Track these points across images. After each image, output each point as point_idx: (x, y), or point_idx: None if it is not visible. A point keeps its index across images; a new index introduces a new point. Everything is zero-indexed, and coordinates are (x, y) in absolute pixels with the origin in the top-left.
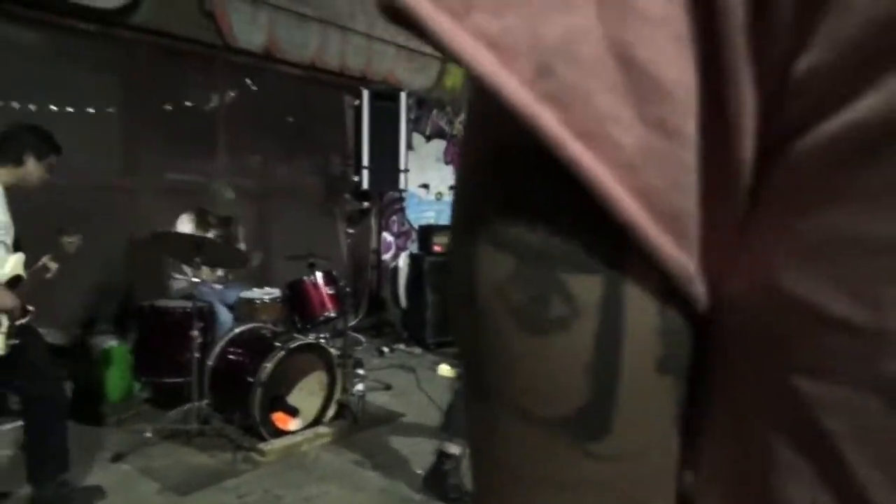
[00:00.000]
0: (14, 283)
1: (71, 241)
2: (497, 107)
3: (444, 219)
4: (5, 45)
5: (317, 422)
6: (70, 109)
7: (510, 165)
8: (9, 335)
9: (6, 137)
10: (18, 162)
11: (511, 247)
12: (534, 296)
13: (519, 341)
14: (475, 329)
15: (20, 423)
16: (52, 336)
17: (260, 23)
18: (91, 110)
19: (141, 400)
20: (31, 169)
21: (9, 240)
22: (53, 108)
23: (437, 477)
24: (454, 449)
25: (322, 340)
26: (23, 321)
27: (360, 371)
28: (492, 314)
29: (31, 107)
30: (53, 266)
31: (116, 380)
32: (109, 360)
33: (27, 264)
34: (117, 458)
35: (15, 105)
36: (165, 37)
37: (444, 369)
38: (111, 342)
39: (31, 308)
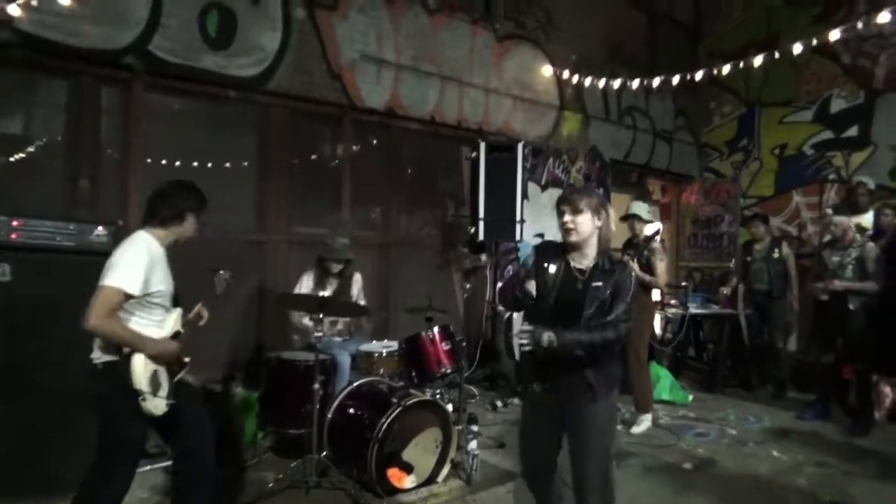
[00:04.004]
0: (173, 339)
1: (225, 278)
2: None
3: None
4: (160, 112)
5: (431, 480)
6: (212, 167)
7: None
8: (168, 395)
9: (165, 195)
10: (180, 220)
11: None
12: None
13: None
14: None
15: (157, 465)
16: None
17: (384, 82)
18: (229, 168)
19: (265, 448)
20: (189, 226)
21: (168, 302)
22: (196, 165)
23: None
24: None
25: (438, 395)
26: (181, 375)
27: (475, 428)
28: None
29: (177, 164)
30: (206, 313)
31: (242, 427)
32: (238, 407)
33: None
34: None
35: (163, 163)
36: (298, 100)
37: None
38: (240, 390)
39: (187, 360)
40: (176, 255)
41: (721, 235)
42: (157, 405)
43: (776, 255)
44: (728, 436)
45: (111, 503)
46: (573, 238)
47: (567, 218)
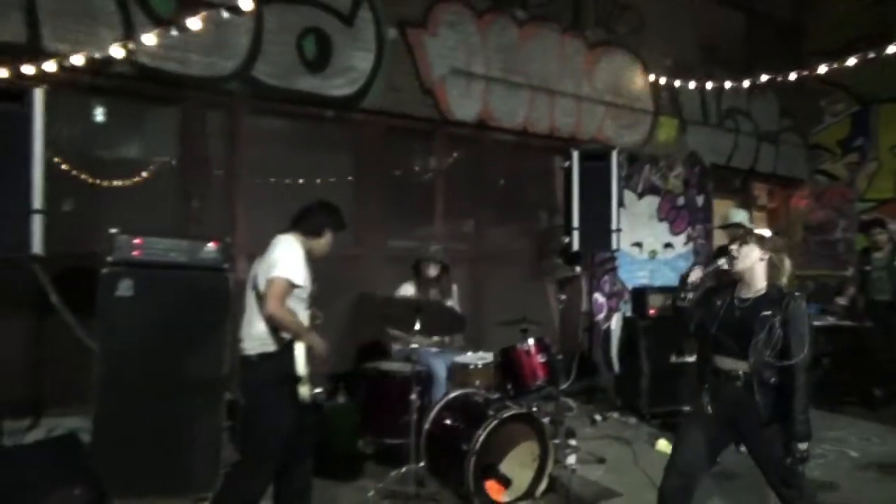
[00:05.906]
0: None
1: (318, 317)
2: None
3: (659, 279)
4: (261, 133)
5: (529, 494)
6: (309, 184)
7: None
8: (313, 383)
9: (310, 211)
10: (319, 234)
11: None
12: None
13: None
14: None
15: None
16: None
17: (474, 95)
18: (326, 185)
19: (365, 456)
20: (325, 242)
21: (308, 299)
22: (299, 182)
23: None
24: None
25: (534, 409)
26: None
27: (573, 442)
28: None
29: (278, 182)
30: (320, 314)
31: (344, 436)
32: (339, 417)
33: None
34: None
35: (265, 181)
36: (391, 116)
37: (663, 444)
38: (341, 400)
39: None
40: None
41: (835, 242)
42: (306, 391)
43: None
44: (849, 458)
45: (253, 500)
46: (737, 267)
47: (733, 247)
